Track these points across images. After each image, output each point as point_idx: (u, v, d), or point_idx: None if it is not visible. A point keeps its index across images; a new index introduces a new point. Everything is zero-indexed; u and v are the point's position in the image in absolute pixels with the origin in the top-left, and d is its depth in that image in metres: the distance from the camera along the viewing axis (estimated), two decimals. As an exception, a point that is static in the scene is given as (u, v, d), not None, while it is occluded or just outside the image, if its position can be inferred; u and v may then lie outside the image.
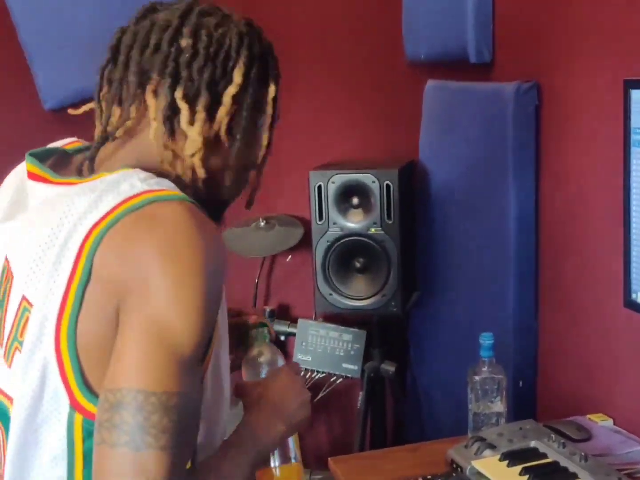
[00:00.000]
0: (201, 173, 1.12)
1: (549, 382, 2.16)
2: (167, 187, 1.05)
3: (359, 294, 2.53)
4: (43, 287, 1.02)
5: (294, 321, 2.69)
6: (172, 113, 1.09)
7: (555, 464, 1.59)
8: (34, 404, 1.03)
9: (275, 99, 1.18)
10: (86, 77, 2.62)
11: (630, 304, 1.65)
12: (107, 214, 1.00)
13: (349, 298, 2.53)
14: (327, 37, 2.81)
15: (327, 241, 2.49)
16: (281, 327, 2.68)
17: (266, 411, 1.18)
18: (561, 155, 2.05)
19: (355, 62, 2.83)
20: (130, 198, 1.01)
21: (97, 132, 1.15)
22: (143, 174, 1.05)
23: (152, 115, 1.10)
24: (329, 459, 1.79)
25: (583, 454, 1.58)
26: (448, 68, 2.56)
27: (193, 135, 1.10)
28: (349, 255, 2.52)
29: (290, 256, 2.77)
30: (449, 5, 2.41)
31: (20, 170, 1.18)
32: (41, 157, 1.14)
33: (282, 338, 2.71)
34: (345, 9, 2.80)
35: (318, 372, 2.63)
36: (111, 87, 1.13)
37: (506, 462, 1.59)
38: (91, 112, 1.12)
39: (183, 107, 1.09)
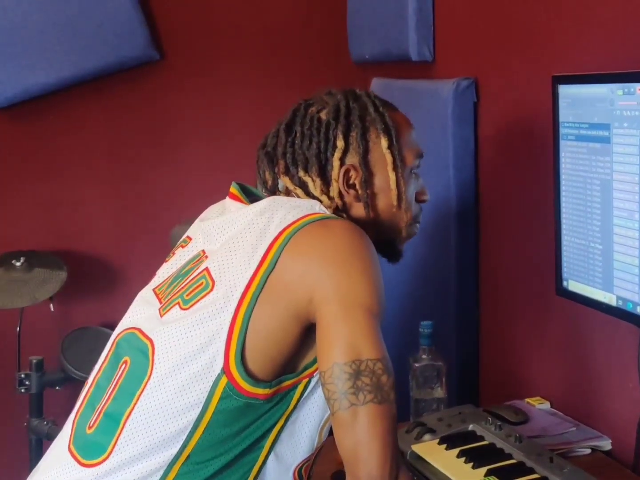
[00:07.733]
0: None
1: (490, 368, 2.22)
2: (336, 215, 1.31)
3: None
4: (235, 268, 1.22)
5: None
6: (303, 185, 1.35)
7: (491, 445, 1.65)
8: (188, 359, 1.20)
9: (390, 147, 1.36)
10: (31, 76, 2.64)
11: (562, 291, 1.72)
12: (294, 222, 1.23)
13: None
14: (275, 38, 2.84)
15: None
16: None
17: None
18: (498, 150, 2.11)
19: (302, 61, 2.86)
20: (311, 214, 1.25)
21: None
22: (319, 205, 1.30)
23: (292, 189, 1.36)
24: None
25: (518, 435, 1.65)
26: (392, 67, 2.61)
27: (319, 199, 1.34)
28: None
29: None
30: (392, 7, 2.46)
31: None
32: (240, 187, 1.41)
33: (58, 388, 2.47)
34: (292, 12, 2.85)
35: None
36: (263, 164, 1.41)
37: (444, 445, 1.65)
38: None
39: (307, 179, 1.35)
